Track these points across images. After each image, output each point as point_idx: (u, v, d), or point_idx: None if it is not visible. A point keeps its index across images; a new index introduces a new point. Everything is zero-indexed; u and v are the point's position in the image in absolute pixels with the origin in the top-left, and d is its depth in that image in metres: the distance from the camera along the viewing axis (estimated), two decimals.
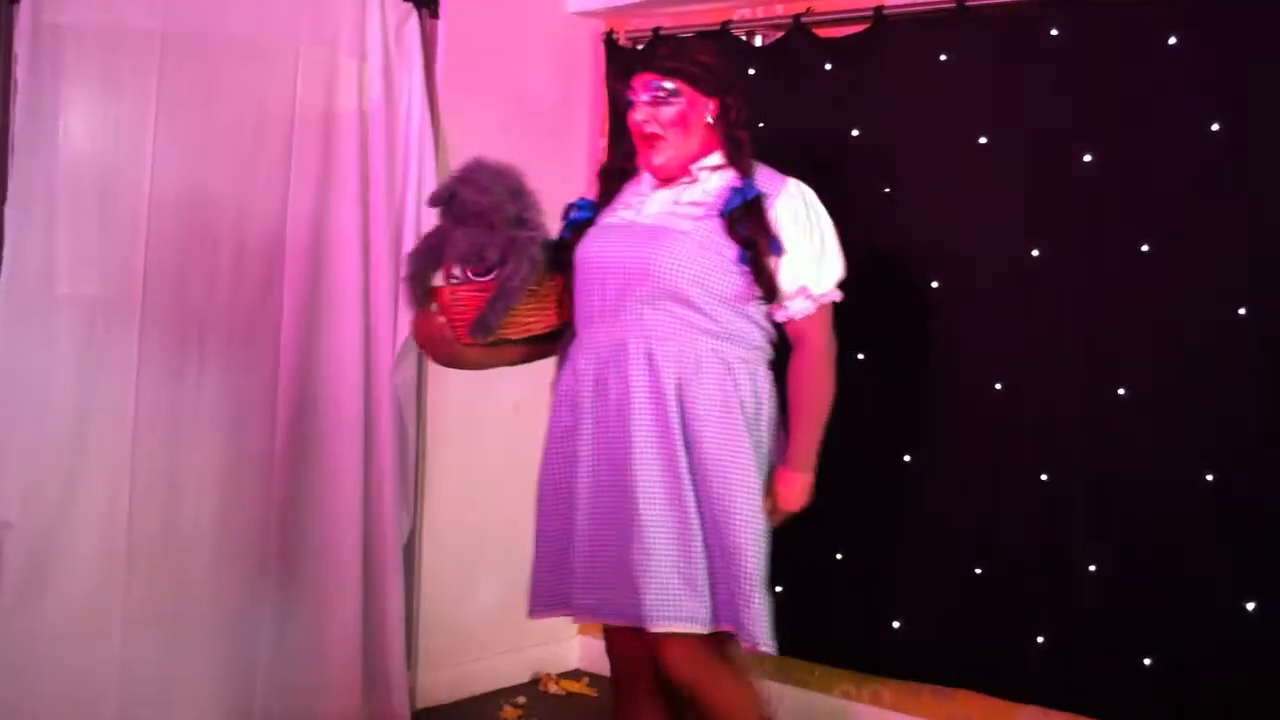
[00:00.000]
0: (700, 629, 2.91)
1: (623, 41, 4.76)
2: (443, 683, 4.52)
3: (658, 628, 2.89)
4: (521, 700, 4.56)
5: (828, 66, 4.21)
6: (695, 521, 2.91)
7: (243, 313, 3.92)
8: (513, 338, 3.04)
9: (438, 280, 3.04)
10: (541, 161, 4.73)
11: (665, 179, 3.09)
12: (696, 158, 3.06)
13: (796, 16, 4.28)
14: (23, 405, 3.57)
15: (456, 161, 4.36)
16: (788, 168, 4.28)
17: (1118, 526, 3.67)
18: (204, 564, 3.87)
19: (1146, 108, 3.62)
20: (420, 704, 4.41)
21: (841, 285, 3.08)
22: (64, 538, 3.63)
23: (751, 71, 4.39)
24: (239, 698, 3.95)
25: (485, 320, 2.92)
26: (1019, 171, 3.80)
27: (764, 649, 2.89)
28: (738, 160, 3.05)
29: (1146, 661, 3.60)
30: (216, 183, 3.85)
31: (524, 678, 4.78)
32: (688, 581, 2.89)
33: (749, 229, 2.94)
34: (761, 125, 4.33)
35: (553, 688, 4.72)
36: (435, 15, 4.38)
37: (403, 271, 3.07)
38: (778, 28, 4.38)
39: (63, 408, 3.63)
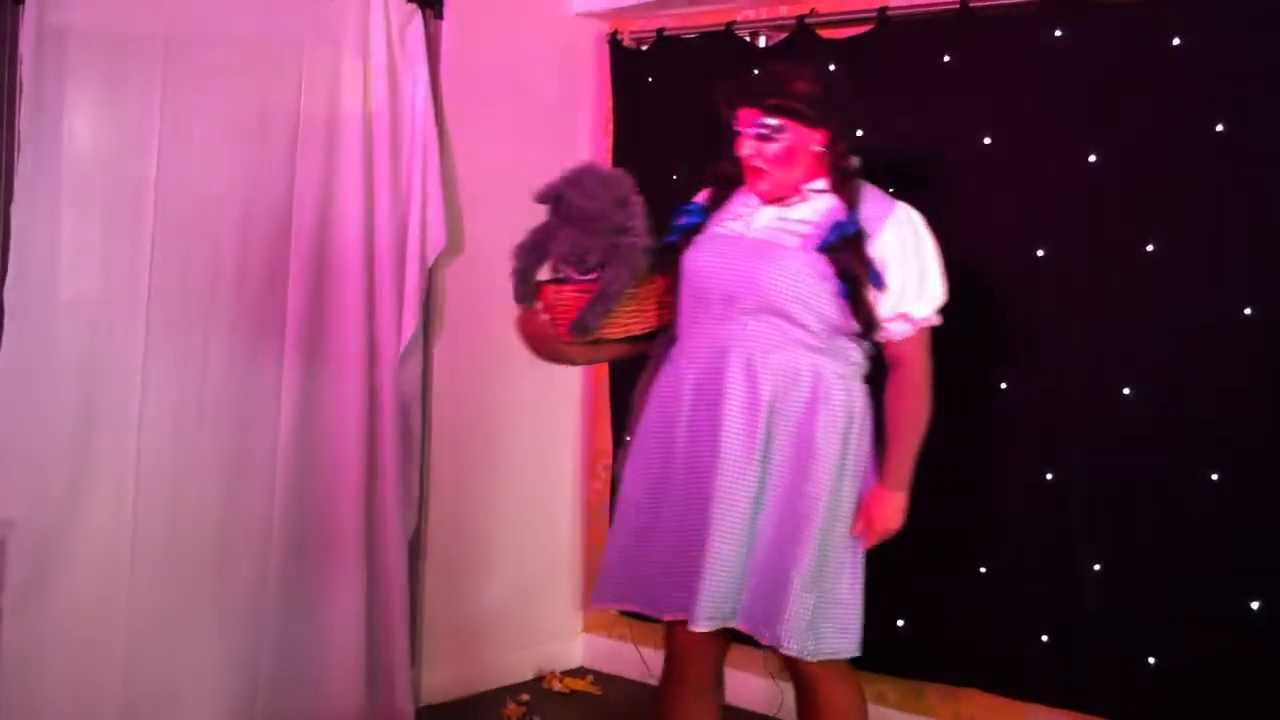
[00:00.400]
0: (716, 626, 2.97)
1: (627, 43, 4.76)
2: (447, 680, 4.53)
3: (698, 627, 2.95)
4: (525, 698, 4.57)
5: (831, 67, 4.20)
6: (752, 531, 2.97)
7: (247, 313, 3.92)
8: (612, 337, 3.07)
9: (542, 275, 3.10)
10: (545, 162, 4.74)
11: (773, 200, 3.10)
12: (804, 182, 3.06)
13: (800, 18, 4.28)
14: (27, 405, 3.58)
15: (461, 161, 4.42)
16: None
17: (1122, 526, 3.68)
18: (208, 563, 3.88)
19: (1150, 109, 3.62)
20: (424, 701, 4.42)
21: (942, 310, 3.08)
22: (68, 538, 3.64)
23: (755, 72, 4.39)
24: (243, 697, 3.96)
25: (584, 321, 2.96)
26: (1023, 172, 3.81)
27: (786, 651, 2.95)
28: (843, 189, 3.04)
29: (1151, 661, 3.61)
30: (221, 183, 3.86)
31: (528, 675, 4.78)
32: (733, 583, 2.95)
33: (849, 262, 2.95)
34: None
35: (557, 685, 4.73)
36: (439, 16, 4.38)
37: (510, 266, 3.10)
38: (781, 29, 4.38)
39: (67, 408, 3.64)
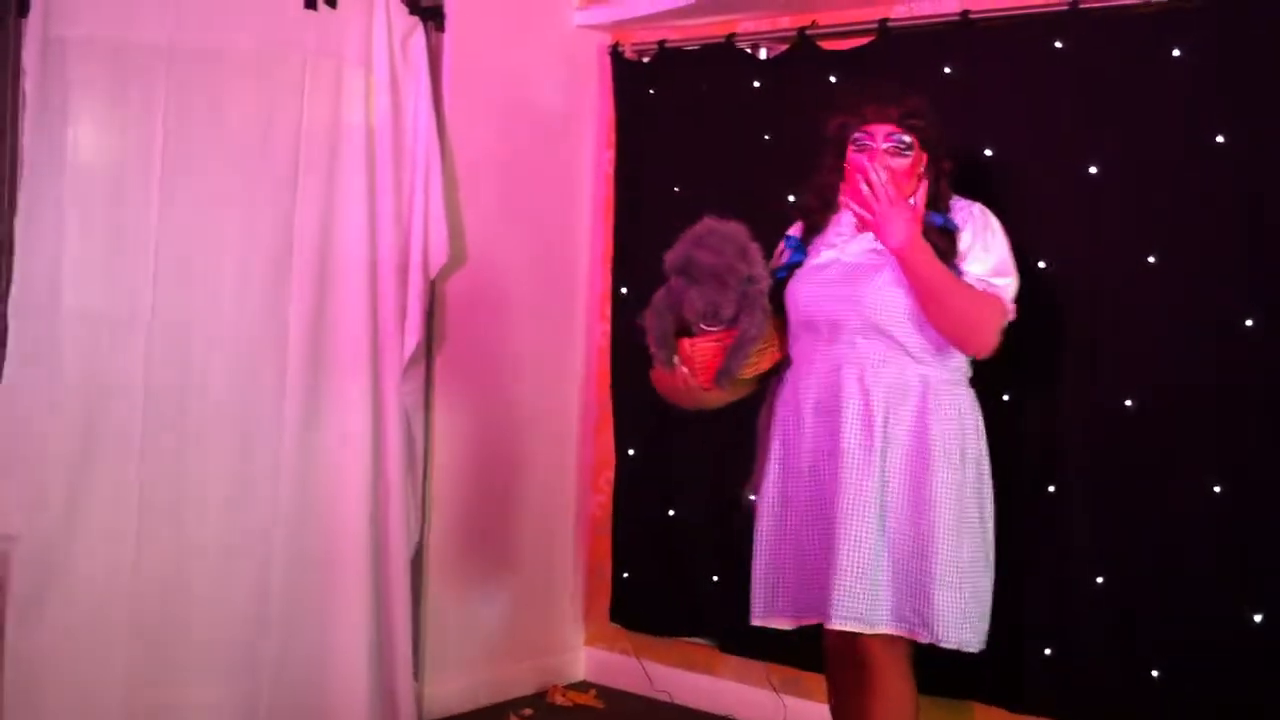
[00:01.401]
0: (866, 629, 3.10)
1: (628, 55, 4.77)
2: (450, 693, 4.52)
3: (833, 625, 3.11)
4: (529, 712, 4.56)
5: (833, 79, 4.22)
6: (881, 531, 3.10)
7: (249, 326, 3.93)
8: (746, 376, 3.25)
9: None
10: (546, 173, 4.79)
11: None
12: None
13: (801, 29, 4.29)
14: (31, 418, 3.58)
15: (463, 173, 4.43)
16: (794, 181, 4.31)
17: (1124, 538, 3.67)
18: (210, 576, 3.87)
19: (1151, 120, 3.62)
20: (427, 715, 4.42)
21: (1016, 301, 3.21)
22: (71, 551, 3.64)
23: (756, 84, 4.40)
24: (246, 709, 3.95)
25: (729, 369, 3.15)
26: (1025, 183, 3.80)
27: (947, 645, 3.11)
28: (935, 205, 3.22)
29: (1154, 673, 3.60)
30: (224, 195, 3.86)
31: (531, 689, 4.78)
32: (866, 584, 3.09)
33: (943, 253, 3.12)
34: (767, 138, 4.37)
35: (560, 699, 4.72)
36: (441, 28, 4.39)
37: (648, 335, 3.23)
38: (783, 40, 4.39)
39: (70, 421, 3.64)
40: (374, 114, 4.15)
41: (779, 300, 3.28)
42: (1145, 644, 3.63)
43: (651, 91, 4.70)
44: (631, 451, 4.76)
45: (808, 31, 4.28)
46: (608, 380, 4.84)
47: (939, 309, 3.08)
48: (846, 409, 3.13)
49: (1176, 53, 3.57)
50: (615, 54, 4.80)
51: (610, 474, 4.84)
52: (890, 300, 3.13)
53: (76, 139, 3.65)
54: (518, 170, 4.67)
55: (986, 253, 3.15)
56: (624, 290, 4.77)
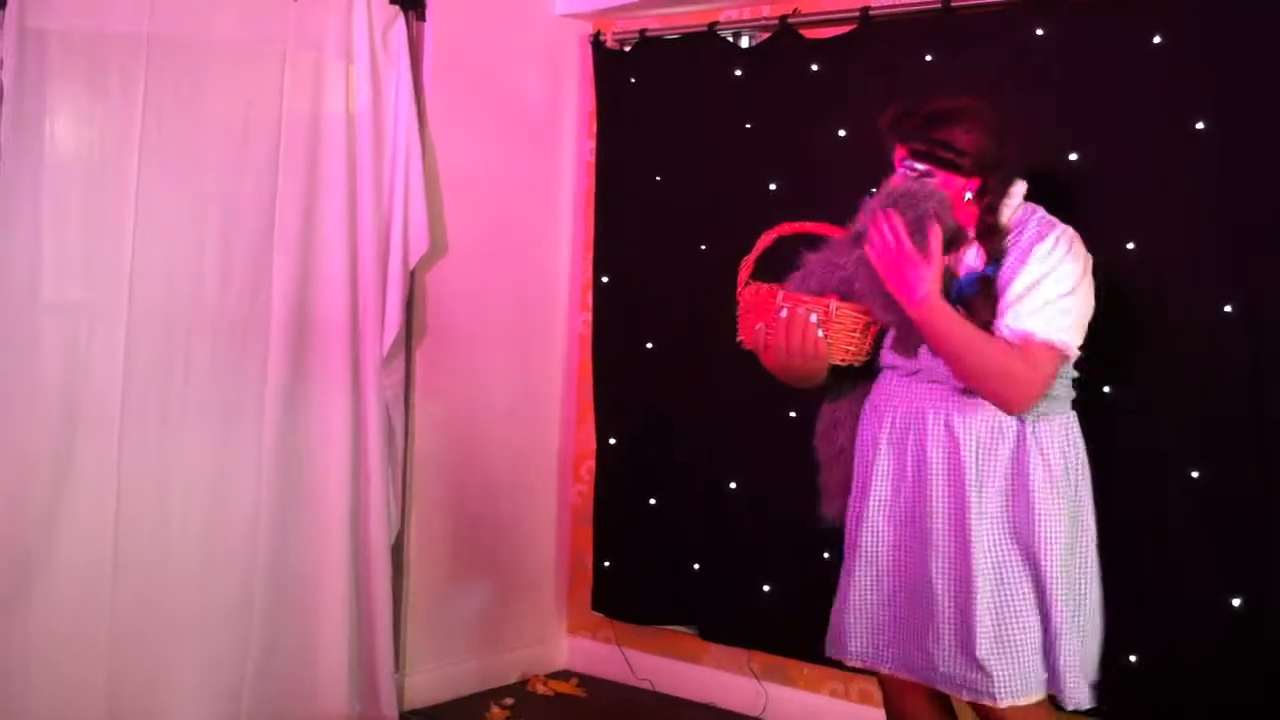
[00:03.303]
0: (1024, 701, 2.84)
1: (610, 44, 4.77)
2: (431, 684, 4.52)
3: (1000, 705, 2.84)
4: (510, 701, 4.56)
5: (814, 67, 4.22)
6: (997, 589, 2.85)
7: (230, 317, 3.91)
8: (856, 364, 2.97)
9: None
10: (527, 163, 4.78)
11: None
12: None
13: (783, 18, 4.29)
14: (8, 412, 3.57)
15: (443, 163, 4.42)
16: (776, 169, 4.31)
17: (1103, 524, 3.67)
18: (191, 570, 3.86)
19: (1131, 107, 3.63)
20: (408, 705, 4.42)
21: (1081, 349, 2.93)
22: (50, 546, 3.63)
23: (738, 73, 4.40)
24: (227, 702, 3.94)
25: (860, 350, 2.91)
26: None
27: (1064, 702, 2.88)
28: (988, 241, 2.89)
29: (1132, 659, 3.61)
30: (203, 186, 3.85)
31: (512, 678, 4.78)
32: (966, 648, 2.84)
33: (981, 309, 2.83)
34: (749, 126, 4.37)
35: (541, 688, 4.72)
36: (422, 18, 4.38)
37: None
38: (764, 29, 4.39)
39: (49, 414, 3.63)
40: (354, 104, 4.14)
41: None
42: (1124, 629, 3.63)
43: (633, 80, 4.70)
44: (613, 441, 4.76)
45: (789, 19, 4.28)
46: (589, 370, 4.84)
47: (961, 370, 2.81)
48: (932, 455, 2.88)
49: (1157, 40, 3.58)
50: (596, 43, 4.79)
51: (591, 463, 4.84)
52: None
53: (54, 130, 3.64)
54: (498, 160, 4.66)
55: (1032, 298, 2.80)
56: (605, 280, 4.77)
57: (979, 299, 2.84)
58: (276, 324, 3.99)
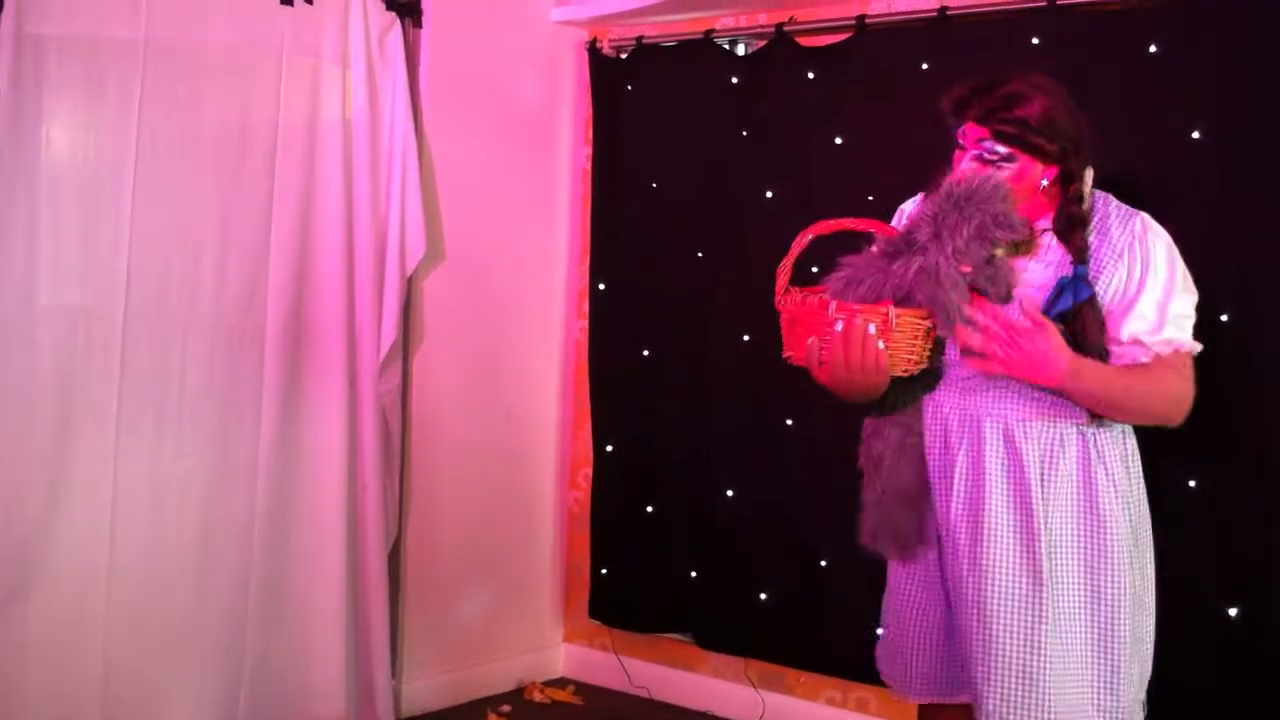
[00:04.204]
0: None
1: (606, 51, 4.77)
2: (428, 691, 4.51)
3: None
4: (507, 708, 4.56)
5: (810, 75, 4.22)
6: (1055, 620, 2.64)
7: (226, 323, 3.91)
8: (914, 373, 2.65)
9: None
10: (524, 169, 4.78)
11: None
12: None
13: (779, 25, 4.29)
14: (5, 415, 3.56)
15: (440, 170, 4.42)
16: (772, 176, 4.31)
17: None
18: (187, 574, 3.86)
19: (1127, 116, 3.63)
20: (405, 712, 4.41)
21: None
22: (46, 549, 3.62)
23: (734, 80, 4.40)
24: (224, 708, 3.94)
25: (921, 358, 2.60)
26: None
27: None
28: (1068, 236, 2.61)
29: None
30: (200, 192, 3.85)
31: (509, 686, 4.77)
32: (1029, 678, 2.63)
33: (1090, 323, 2.58)
34: (745, 134, 4.38)
35: (538, 696, 4.72)
36: (419, 24, 4.38)
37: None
38: (761, 36, 4.40)
39: (45, 418, 3.62)
40: (351, 110, 4.14)
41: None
42: None
43: (629, 87, 4.70)
44: (610, 448, 4.75)
45: (785, 27, 4.28)
46: (585, 376, 4.84)
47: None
48: (990, 470, 2.64)
49: (1153, 49, 3.58)
50: (593, 50, 4.79)
51: (589, 470, 4.84)
52: None
53: (50, 135, 3.62)
54: (495, 166, 4.67)
55: (1143, 300, 2.59)
56: (601, 286, 4.77)
57: (1087, 311, 2.58)
58: (273, 329, 3.99)
